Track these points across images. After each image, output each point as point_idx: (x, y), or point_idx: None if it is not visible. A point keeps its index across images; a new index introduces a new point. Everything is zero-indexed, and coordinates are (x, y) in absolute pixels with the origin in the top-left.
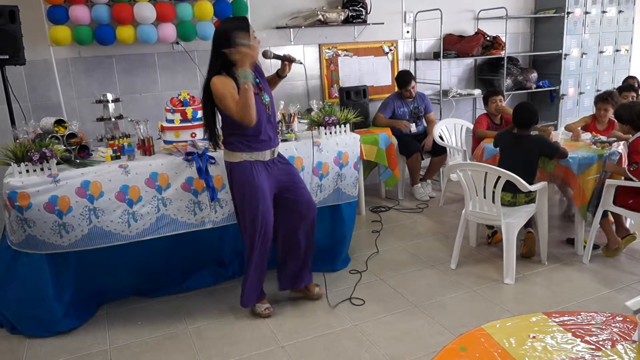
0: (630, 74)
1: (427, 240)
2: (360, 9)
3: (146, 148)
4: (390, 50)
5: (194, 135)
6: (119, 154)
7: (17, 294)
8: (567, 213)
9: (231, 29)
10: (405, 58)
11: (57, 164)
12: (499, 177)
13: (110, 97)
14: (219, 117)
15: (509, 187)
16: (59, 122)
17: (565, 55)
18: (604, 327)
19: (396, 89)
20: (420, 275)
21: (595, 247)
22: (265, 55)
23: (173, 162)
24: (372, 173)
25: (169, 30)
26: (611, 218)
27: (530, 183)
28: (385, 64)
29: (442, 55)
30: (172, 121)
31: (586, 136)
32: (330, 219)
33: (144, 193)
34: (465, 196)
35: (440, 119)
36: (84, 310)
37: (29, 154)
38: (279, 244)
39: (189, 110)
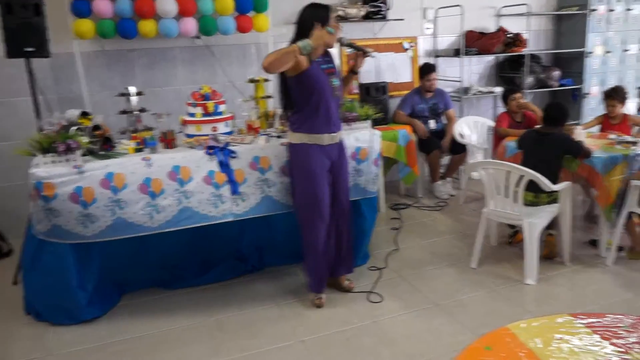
0: None
1: (447, 238)
2: (380, 5)
3: (168, 141)
4: (411, 46)
5: (215, 129)
6: (141, 146)
7: (42, 282)
8: (590, 214)
9: (319, 17)
10: (426, 55)
11: (82, 155)
12: (521, 176)
13: (133, 90)
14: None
15: (531, 186)
16: (84, 114)
17: (589, 53)
18: (632, 329)
19: (415, 84)
20: (440, 274)
21: (619, 249)
22: (341, 42)
23: (195, 156)
24: (392, 170)
25: (190, 24)
26: (636, 220)
27: (554, 182)
28: (405, 60)
29: (463, 52)
30: (193, 115)
31: (611, 136)
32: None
33: (166, 185)
34: (486, 195)
35: (461, 117)
36: (107, 300)
37: (54, 145)
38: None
39: (210, 104)
